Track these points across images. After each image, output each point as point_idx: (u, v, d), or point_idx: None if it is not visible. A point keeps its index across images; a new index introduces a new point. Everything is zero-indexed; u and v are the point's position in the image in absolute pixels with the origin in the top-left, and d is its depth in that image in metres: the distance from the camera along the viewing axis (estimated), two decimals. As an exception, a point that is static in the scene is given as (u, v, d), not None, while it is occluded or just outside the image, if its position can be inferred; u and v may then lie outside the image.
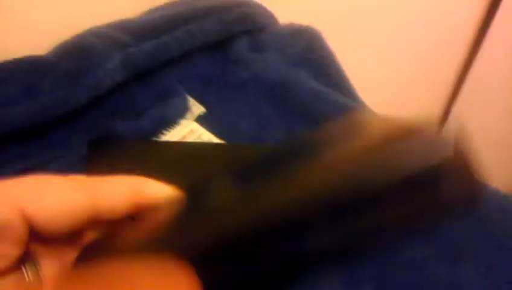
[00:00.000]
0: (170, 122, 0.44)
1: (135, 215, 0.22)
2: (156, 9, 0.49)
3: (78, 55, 0.40)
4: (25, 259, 0.20)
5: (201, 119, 0.45)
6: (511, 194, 0.40)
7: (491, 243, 0.37)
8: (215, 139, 0.43)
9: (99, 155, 0.40)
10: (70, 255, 0.23)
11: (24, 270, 0.20)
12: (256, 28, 0.48)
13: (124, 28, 0.43)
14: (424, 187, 0.19)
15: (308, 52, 0.48)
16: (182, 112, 0.44)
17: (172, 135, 0.43)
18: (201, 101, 0.46)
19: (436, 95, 1.21)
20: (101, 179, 0.21)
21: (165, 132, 0.43)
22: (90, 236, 0.23)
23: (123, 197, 0.21)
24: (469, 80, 1.16)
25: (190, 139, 0.43)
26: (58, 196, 0.20)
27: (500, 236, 0.37)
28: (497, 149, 1.27)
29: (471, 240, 0.37)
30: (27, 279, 0.20)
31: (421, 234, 0.38)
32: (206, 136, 0.44)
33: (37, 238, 0.20)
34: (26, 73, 0.39)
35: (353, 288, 0.37)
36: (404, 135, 0.19)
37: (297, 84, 0.45)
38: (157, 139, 0.43)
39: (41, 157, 0.40)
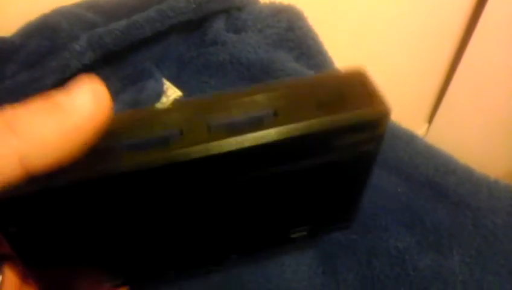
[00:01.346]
0: (144, 106, 0.42)
1: None
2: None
3: (43, 36, 0.38)
4: None
5: (177, 103, 0.43)
6: (501, 180, 0.38)
7: (479, 232, 0.35)
8: (191, 124, 0.42)
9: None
10: None
11: None
12: (234, 7, 0.46)
13: (93, 6, 0.41)
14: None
15: (289, 32, 0.45)
16: (156, 96, 0.42)
17: (146, 120, 0.41)
18: (177, 84, 0.44)
19: (428, 84, 1.19)
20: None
21: (138, 116, 0.41)
22: None
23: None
24: (460, 71, 1.15)
25: (165, 124, 0.41)
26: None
27: (488, 225, 0.35)
28: (490, 140, 1.26)
29: (458, 229, 0.36)
30: None
31: (404, 221, 0.36)
32: (181, 120, 0.42)
33: None
34: (-12, 55, 0.37)
35: (333, 278, 0.35)
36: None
37: (278, 65, 0.43)
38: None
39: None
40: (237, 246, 0.29)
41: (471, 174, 0.38)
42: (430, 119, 1.34)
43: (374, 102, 0.20)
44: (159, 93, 0.42)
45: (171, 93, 0.43)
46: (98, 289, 0.27)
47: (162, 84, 0.43)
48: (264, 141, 0.19)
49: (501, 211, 0.36)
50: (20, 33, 0.39)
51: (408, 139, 0.40)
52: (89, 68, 0.39)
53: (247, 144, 0.19)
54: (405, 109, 1.20)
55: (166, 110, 0.21)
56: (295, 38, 0.45)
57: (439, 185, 0.38)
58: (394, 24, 0.88)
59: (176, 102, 0.20)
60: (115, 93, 0.42)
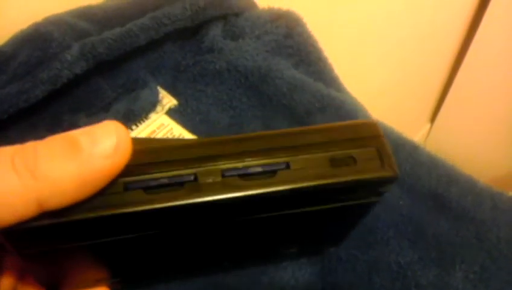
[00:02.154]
0: (138, 116, 0.41)
1: None
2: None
3: (34, 46, 0.37)
4: None
5: (172, 113, 0.42)
6: (505, 192, 0.37)
7: (483, 246, 0.34)
8: (187, 134, 0.41)
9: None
10: None
11: None
12: (231, 13, 0.44)
13: (85, 14, 0.40)
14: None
15: (287, 38, 0.44)
16: (151, 105, 0.41)
17: (141, 130, 0.40)
18: (172, 92, 0.43)
19: (430, 84, 1.18)
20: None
21: (133, 126, 0.40)
22: None
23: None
24: (462, 71, 1.14)
25: (160, 134, 0.40)
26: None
27: (493, 240, 0.34)
28: (488, 146, 1.25)
29: (461, 243, 0.35)
30: None
31: (406, 235, 0.35)
32: (177, 130, 0.41)
33: None
34: (-22, 66, 0.36)
35: (333, 295, 0.34)
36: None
37: (276, 73, 0.42)
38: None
39: (-2, 157, 0.37)
40: (230, 255, 0.31)
41: (475, 185, 0.37)
42: (433, 119, 1.32)
43: (385, 164, 0.22)
44: (154, 102, 0.41)
45: (167, 102, 0.42)
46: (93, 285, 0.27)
47: (157, 93, 0.42)
48: (274, 192, 0.20)
49: (505, 224, 0.35)
50: (10, 42, 0.38)
51: (411, 149, 0.38)
52: (83, 78, 0.38)
53: (257, 193, 0.20)
54: (407, 109, 1.19)
55: (183, 148, 0.21)
56: (294, 44, 0.44)
57: (442, 196, 0.37)
58: (396, 24, 0.87)
59: (192, 141, 0.21)
60: (108, 103, 0.41)
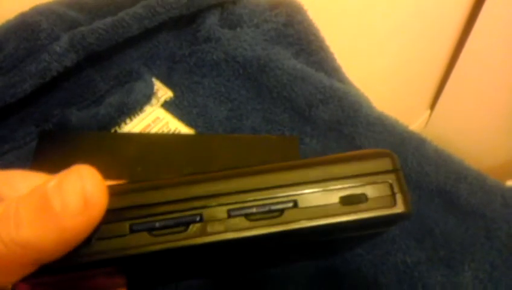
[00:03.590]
0: (133, 109, 0.39)
1: None
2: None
3: (21, 37, 0.35)
4: None
5: (168, 105, 0.40)
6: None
7: (493, 245, 0.33)
8: (184, 128, 0.39)
9: (49, 148, 0.36)
10: None
11: None
12: (229, 0, 0.42)
13: (75, 3, 0.38)
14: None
15: (288, 27, 0.42)
16: (146, 98, 0.39)
17: (135, 124, 0.39)
18: (168, 84, 0.41)
19: (430, 70, 1.17)
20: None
21: (127, 120, 0.39)
22: None
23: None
24: (462, 57, 1.12)
25: (156, 127, 0.39)
26: (31, 183, 0.21)
27: (502, 237, 0.33)
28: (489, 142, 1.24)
29: (470, 241, 0.33)
30: None
31: (413, 234, 0.34)
32: (173, 124, 0.39)
33: None
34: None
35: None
36: None
37: (276, 64, 0.40)
38: (117, 130, 0.38)
39: (-13, 152, 0.36)
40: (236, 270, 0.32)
41: (484, 182, 0.36)
42: (432, 106, 1.31)
43: (398, 201, 0.20)
44: (149, 95, 0.40)
45: (162, 94, 0.40)
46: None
47: (152, 85, 0.40)
48: (281, 232, 0.20)
49: (516, 221, 0.34)
50: (-4, 33, 0.36)
51: (417, 144, 0.37)
52: (74, 70, 0.36)
53: (263, 233, 0.20)
54: (407, 96, 1.17)
55: (188, 186, 0.20)
56: (294, 33, 0.42)
57: (450, 193, 0.35)
58: (397, 10, 0.85)
59: (197, 176, 0.20)
60: (101, 96, 0.39)
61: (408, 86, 1.13)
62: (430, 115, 1.33)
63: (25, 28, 0.35)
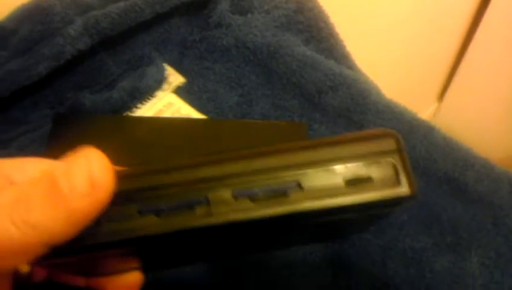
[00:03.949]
0: (144, 94, 0.39)
1: None
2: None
3: (36, 21, 0.35)
4: None
5: (179, 91, 0.41)
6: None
7: (499, 231, 0.33)
8: (194, 113, 0.39)
9: (63, 131, 0.36)
10: None
11: None
12: (240, -13, 0.43)
13: (89, -12, 0.38)
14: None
15: (298, 14, 0.43)
16: (157, 83, 0.40)
17: (147, 109, 0.39)
18: (179, 70, 0.41)
19: (439, 62, 1.16)
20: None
21: (139, 105, 0.39)
22: None
23: None
24: (471, 49, 1.12)
25: (167, 112, 0.39)
26: (40, 167, 0.22)
27: (509, 224, 0.33)
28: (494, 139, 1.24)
29: (477, 228, 0.34)
30: None
31: (421, 220, 0.34)
32: (185, 109, 0.39)
33: None
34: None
35: (345, 281, 0.33)
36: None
37: (286, 50, 0.41)
38: (129, 114, 0.38)
39: (2, 134, 0.36)
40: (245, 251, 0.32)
41: (492, 170, 0.36)
42: (441, 98, 1.30)
43: (403, 182, 0.20)
44: (160, 80, 0.40)
45: (173, 80, 0.41)
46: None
47: (163, 71, 0.40)
48: (286, 214, 0.20)
49: (523, 209, 0.34)
50: (11, 17, 0.36)
51: (425, 132, 0.37)
52: (87, 54, 0.37)
53: (268, 215, 0.20)
54: (416, 87, 1.17)
55: (194, 168, 0.21)
56: (305, 20, 0.43)
57: (458, 181, 0.35)
58: (406, 0, 0.85)
59: (202, 158, 0.21)
60: (114, 80, 0.40)
61: (416, 77, 1.13)
62: (438, 107, 1.32)
63: (40, 11, 0.35)
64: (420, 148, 0.37)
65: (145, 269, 0.27)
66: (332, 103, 0.39)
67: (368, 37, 0.84)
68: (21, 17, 0.36)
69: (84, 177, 0.18)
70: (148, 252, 0.24)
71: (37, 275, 0.26)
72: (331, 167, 0.20)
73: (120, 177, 0.19)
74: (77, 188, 0.18)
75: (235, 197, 0.20)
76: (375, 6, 0.79)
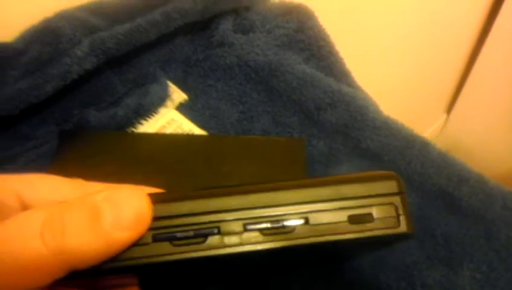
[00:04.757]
0: (148, 111, 0.41)
1: None
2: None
3: (45, 42, 0.37)
4: None
5: (182, 108, 0.42)
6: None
7: (491, 245, 0.34)
8: (197, 130, 0.41)
9: (69, 147, 0.38)
10: None
11: None
12: (242, 7, 0.44)
13: (96, 9, 0.40)
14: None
15: (299, 33, 0.44)
16: (161, 100, 0.41)
17: (150, 125, 0.41)
18: (183, 87, 0.43)
19: (447, 74, 1.17)
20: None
21: (143, 121, 0.41)
22: None
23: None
24: (479, 61, 1.12)
25: (170, 129, 0.41)
26: (52, 187, 0.22)
27: (502, 238, 0.34)
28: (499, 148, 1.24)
29: (469, 242, 0.34)
30: None
31: (415, 234, 0.35)
32: (187, 126, 0.41)
33: None
34: (-11, 62, 0.37)
35: (340, 292, 0.34)
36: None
37: (287, 68, 0.42)
38: (133, 130, 0.40)
39: (9, 151, 0.38)
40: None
41: (485, 185, 0.37)
42: (449, 110, 1.31)
43: (401, 221, 0.22)
44: (164, 97, 0.41)
45: (176, 97, 0.42)
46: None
47: (166, 88, 0.42)
48: (293, 246, 0.22)
49: (516, 224, 0.35)
50: (21, 38, 0.38)
51: (421, 147, 0.38)
52: (93, 73, 0.38)
53: (276, 247, 0.22)
54: (424, 100, 1.18)
55: (207, 200, 0.22)
56: (305, 39, 0.44)
57: (452, 195, 0.36)
58: (413, 13, 0.86)
59: (215, 191, 0.23)
60: (119, 98, 0.41)
61: (425, 89, 1.14)
62: (446, 119, 1.33)
63: (49, 33, 0.37)
64: (416, 164, 0.38)
65: (146, 287, 0.28)
66: (331, 119, 0.40)
67: (376, 51, 0.85)
68: (30, 38, 0.37)
69: (131, 210, 0.19)
70: (157, 275, 0.26)
71: None
72: (336, 205, 0.22)
73: None
74: (122, 220, 0.19)
75: (246, 229, 0.22)
76: (384, 21, 0.80)
